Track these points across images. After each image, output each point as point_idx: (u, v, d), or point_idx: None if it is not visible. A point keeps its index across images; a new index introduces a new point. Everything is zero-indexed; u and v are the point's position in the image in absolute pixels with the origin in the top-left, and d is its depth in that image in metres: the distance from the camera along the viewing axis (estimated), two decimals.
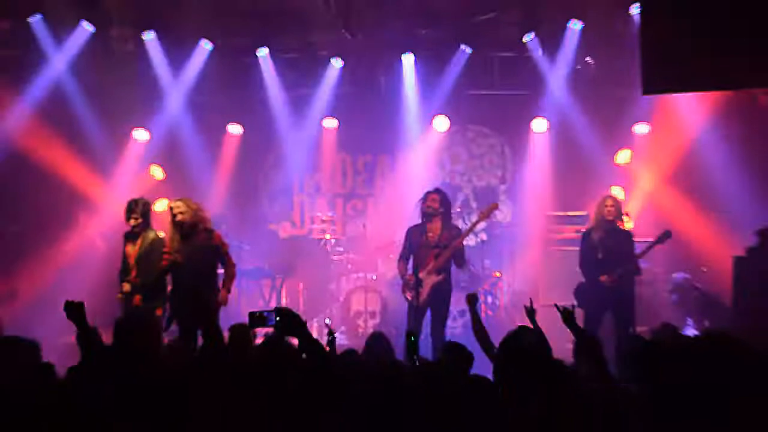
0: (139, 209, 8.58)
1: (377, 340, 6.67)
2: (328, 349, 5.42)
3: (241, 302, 11.60)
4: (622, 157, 12.87)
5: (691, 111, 12.08)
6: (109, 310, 8.99)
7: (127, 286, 8.61)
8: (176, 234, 8.48)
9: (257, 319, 4.90)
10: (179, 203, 8.53)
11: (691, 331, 11.22)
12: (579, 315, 8.12)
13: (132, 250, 8.67)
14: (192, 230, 8.43)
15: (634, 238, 9.33)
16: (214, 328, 5.19)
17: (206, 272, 8.43)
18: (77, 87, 12.14)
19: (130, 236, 8.71)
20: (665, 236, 9.20)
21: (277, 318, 4.67)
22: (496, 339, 6.66)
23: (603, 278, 9.06)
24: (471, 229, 9.26)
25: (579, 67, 12.34)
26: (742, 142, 11.70)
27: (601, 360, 5.42)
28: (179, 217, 8.39)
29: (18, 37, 11.71)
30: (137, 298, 8.47)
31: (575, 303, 8.94)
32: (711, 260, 11.62)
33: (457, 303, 10.70)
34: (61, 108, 12.08)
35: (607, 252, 9.16)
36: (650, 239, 9.30)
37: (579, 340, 5.87)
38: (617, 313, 9.04)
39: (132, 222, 8.60)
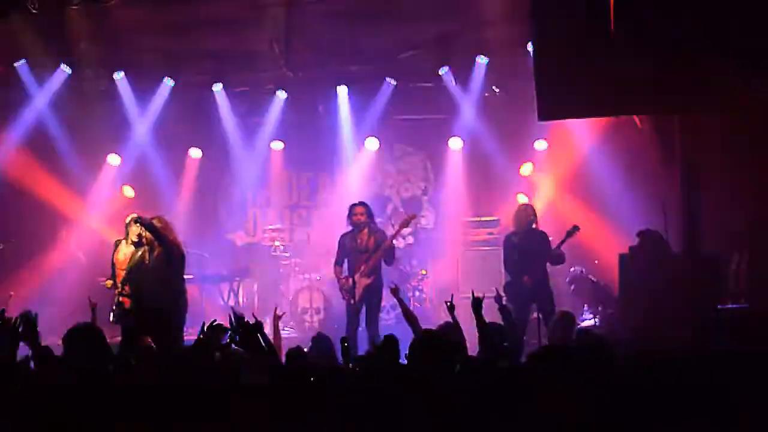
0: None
1: (320, 340, 7.17)
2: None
3: (203, 304, 12.06)
4: (526, 169, 13.58)
5: (583, 130, 12.74)
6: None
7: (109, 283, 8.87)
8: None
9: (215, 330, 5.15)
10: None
11: (588, 316, 12.10)
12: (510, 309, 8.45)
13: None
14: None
15: (548, 238, 9.99)
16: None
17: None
18: (57, 121, 12.79)
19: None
20: (574, 230, 9.89)
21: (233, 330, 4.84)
22: (424, 327, 6.97)
23: (525, 279, 9.76)
24: (395, 236, 10.09)
25: (487, 94, 13.21)
26: (626, 156, 12.34)
27: (496, 345, 6.06)
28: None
29: (5, 81, 12.35)
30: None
31: (503, 295, 9.35)
32: (601, 257, 12.32)
33: (389, 298, 10.84)
34: (43, 140, 12.69)
35: (524, 253, 9.83)
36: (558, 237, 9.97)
37: (480, 326, 6.29)
38: (540, 306, 9.77)
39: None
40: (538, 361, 3.96)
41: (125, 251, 9.01)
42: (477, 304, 6.44)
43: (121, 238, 9.16)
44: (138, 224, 8.65)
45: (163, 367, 4.91)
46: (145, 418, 3.90)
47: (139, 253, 8.79)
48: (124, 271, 8.84)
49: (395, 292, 7.85)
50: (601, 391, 3.62)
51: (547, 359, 3.96)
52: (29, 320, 4.97)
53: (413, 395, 3.99)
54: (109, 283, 8.92)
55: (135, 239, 8.88)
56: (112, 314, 8.62)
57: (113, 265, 9.08)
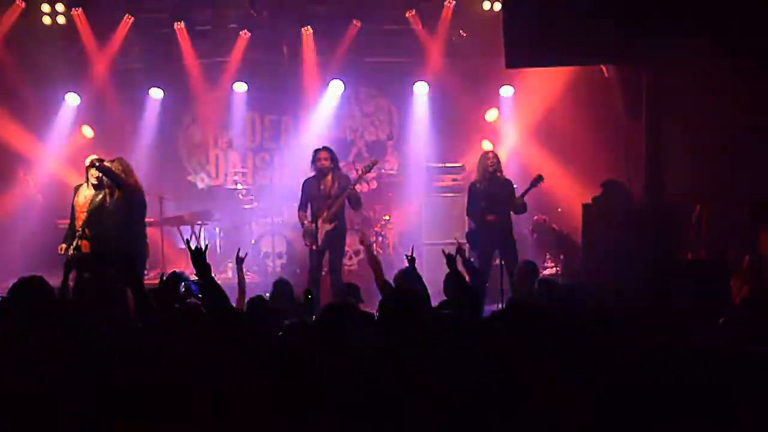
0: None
1: (281, 284, 7.25)
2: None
3: (165, 247, 11.97)
4: (491, 115, 13.67)
5: (550, 78, 12.71)
6: (47, 252, 9.58)
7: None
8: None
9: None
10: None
11: (549, 264, 12.32)
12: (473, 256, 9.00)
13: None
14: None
15: (513, 185, 10.01)
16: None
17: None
18: (12, 58, 12.55)
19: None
20: (538, 180, 9.83)
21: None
22: (387, 273, 7.40)
23: (489, 217, 9.75)
24: (357, 181, 9.98)
25: (454, 38, 13.19)
26: (592, 107, 12.38)
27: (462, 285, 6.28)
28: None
29: None
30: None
31: (465, 241, 9.79)
32: (564, 206, 12.50)
33: (352, 244, 11.48)
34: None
35: (490, 199, 9.82)
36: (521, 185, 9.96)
37: (452, 270, 6.55)
38: (502, 250, 9.83)
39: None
40: (504, 321, 3.96)
41: (86, 194, 8.88)
42: (450, 260, 6.67)
43: (81, 182, 9.04)
44: (95, 168, 8.51)
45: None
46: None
47: (100, 196, 8.72)
48: (85, 214, 8.75)
49: (363, 241, 7.90)
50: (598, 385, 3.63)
51: (513, 319, 3.95)
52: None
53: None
54: (62, 247, 8.75)
55: (95, 182, 8.79)
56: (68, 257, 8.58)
57: (73, 209, 8.92)
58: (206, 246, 5.56)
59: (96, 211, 8.67)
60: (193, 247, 4.95)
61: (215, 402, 3.81)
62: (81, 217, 8.80)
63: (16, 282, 5.07)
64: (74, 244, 8.60)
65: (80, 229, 8.67)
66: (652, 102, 9.35)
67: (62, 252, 8.68)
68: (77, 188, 9.06)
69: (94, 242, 8.59)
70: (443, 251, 6.75)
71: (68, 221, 8.98)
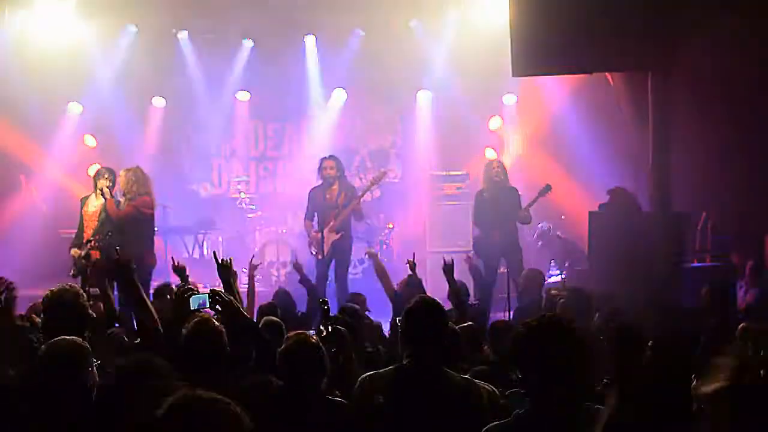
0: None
1: (282, 295, 7.41)
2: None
3: (168, 256, 11.36)
4: (494, 123, 13.66)
5: (554, 85, 12.80)
6: (51, 262, 9.93)
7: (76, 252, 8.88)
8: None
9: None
10: (121, 173, 9.01)
11: (554, 272, 12.20)
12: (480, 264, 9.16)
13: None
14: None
15: (519, 194, 9.99)
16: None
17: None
18: (16, 67, 12.46)
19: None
20: (546, 189, 9.93)
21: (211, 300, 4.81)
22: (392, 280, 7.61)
23: (495, 234, 9.78)
24: (365, 192, 10.14)
25: (457, 46, 13.01)
26: (597, 113, 12.30)
27: (461, 303, 6.48)
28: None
29: None
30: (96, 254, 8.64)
31: (472, 252, 10.01)
32: (569, 213, 12.48)
33: (357, 253, 11.30)
34: (3, 86, 12.37)
35: (495, 209, 9.86)
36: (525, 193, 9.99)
37: (452, 289, 6.71)
38: (509, 258, 9.90)
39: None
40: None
41: (94, 204, 9.03)
42: (448, 269, 6.79)
43: (88, 194, 9.18)
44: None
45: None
46: None
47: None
48: (95, 223, 8.90)
49: (370, 253, 7.99)
50: None
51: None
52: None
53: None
54: (77, 252, 8.82)
55: (101, 191, 8.91)
56: (74, 267, 8.66)
57: (81, 219, 9.05)
58: (231, 259, 5.63)
59: (106, 220, 8.85)
60: (219, 260, 5.08)
61: None
62: (90, 226, 8.92)
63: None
64: (84, 252, 8.63)
65: (90, 238, 8.74)
66: (659, 109, 9.38)
67: (76, 256, 8.73)
68: (85, 199, 9.19)
69: (103, 252, 8.58)
70: (443, 259, 6.83)
71: (74, 231, 9.13)
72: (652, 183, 9.53)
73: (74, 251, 8.81)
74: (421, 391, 3.95)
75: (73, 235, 9.16)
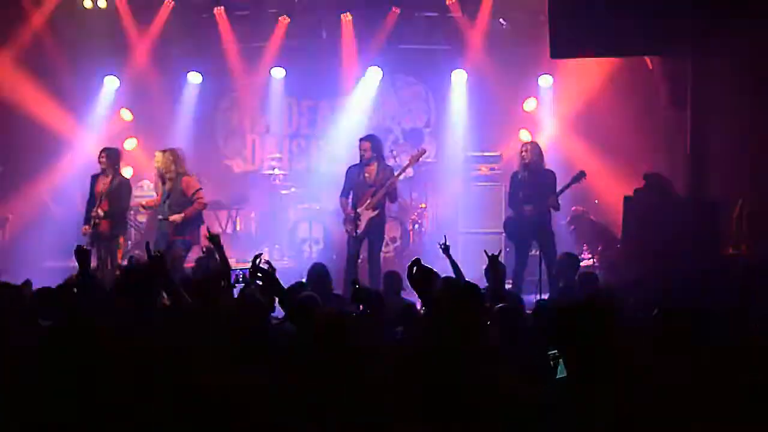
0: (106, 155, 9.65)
1: (316, 270, 7.42)
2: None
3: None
4: (529, 105, 13.64)
5: (591, 68, 12.65)
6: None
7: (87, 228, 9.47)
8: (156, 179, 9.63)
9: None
10: (157, 154, 9.60)
11: (586, 256, 12.21)
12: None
13: (103, 186, 9.54)
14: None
15: (555, 178, 9.84)
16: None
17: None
18: (53, 41, 12.73)
19: (99, 176, 9.64)
20: (580, 175, 9.82)
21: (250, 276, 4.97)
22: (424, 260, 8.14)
23: (527, 208, 9.77)
24: (402, 172, 10.11)
25: (494, 26, 13.17)
26: (634, 97, 12.31)
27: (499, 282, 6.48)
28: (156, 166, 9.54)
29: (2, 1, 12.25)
30: (105, 223, 9.40)
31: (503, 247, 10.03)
32: (603, 198, 12.46)
33: (390, 231, 11.40)
34: (41, 61, 12.66)
35: (529, 190, 9.81)
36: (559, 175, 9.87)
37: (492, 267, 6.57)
38: (540, 241, 9.87)
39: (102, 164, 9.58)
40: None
41: (105, 183, 9.59)
42: (446, 250, 7.08)
43: (97, 173, 9.70)
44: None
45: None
46: None
47: (117, 180, 9.64)
48: (104, 197, 9.45)
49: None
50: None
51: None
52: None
53: None
54: (86, 228, 9.53)
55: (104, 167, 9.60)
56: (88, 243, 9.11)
57: (92, 197, 9.60)
58: (275, 269, 5.72)
59: (115, 195, 9.58)
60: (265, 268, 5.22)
61: None
62: (101, 204, 9.55)
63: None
64: (92, 223, 9.37)
65: (100, 212, 9.43)
66: (697, 93, 9.35)
67: (85, 233, 9.42)
68: (95, 177, 9.71)
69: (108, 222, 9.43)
70: (485, 251, 6.70)
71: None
72: (688, 169, 9.56)
73: (84, 228, 9.52)
74: None
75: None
